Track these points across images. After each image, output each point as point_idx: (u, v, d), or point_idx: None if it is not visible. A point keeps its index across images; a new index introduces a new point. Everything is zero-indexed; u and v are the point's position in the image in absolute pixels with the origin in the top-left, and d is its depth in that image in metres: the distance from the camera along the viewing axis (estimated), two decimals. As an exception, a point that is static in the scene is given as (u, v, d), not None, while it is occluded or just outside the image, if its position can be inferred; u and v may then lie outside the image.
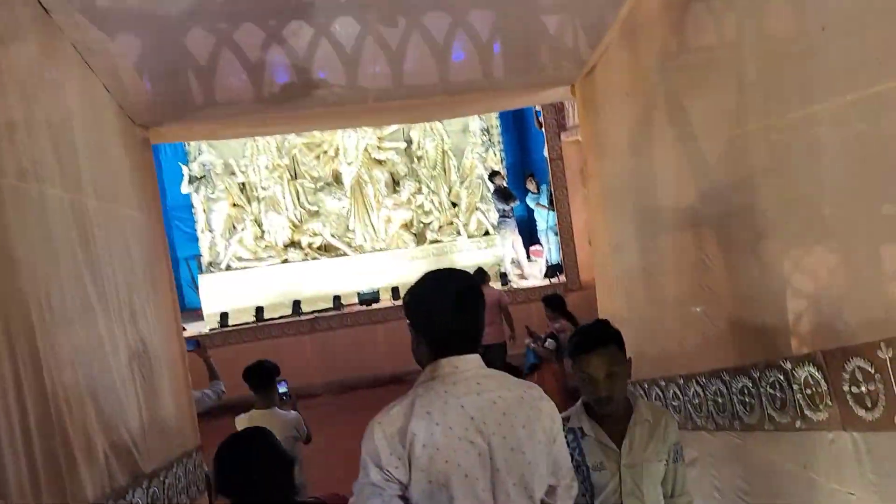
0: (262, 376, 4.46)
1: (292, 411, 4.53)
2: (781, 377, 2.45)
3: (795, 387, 2.38)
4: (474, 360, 1.82)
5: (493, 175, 10.93)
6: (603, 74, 3.87)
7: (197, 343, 4.86)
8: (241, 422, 4.46)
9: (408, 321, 1.89)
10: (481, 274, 8.25)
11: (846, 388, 2.11)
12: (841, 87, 1.99)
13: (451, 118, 10.33)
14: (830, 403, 2.20)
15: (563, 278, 10.43)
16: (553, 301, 6.17)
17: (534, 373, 5.78)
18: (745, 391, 2.72)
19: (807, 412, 2.34)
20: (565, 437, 1.97)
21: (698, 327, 3.06)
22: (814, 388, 2.28)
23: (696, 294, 3.05)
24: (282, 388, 4.60)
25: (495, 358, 8.11)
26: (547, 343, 5.89)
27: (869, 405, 2.03)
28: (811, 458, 2.36)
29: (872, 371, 1.99)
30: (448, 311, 1.81)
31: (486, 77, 3.93)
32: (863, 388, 2.04)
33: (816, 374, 2.26)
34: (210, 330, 9.85)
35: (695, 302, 3.07)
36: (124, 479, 2.56)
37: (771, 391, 2.54)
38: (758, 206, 2.52)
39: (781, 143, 2.33)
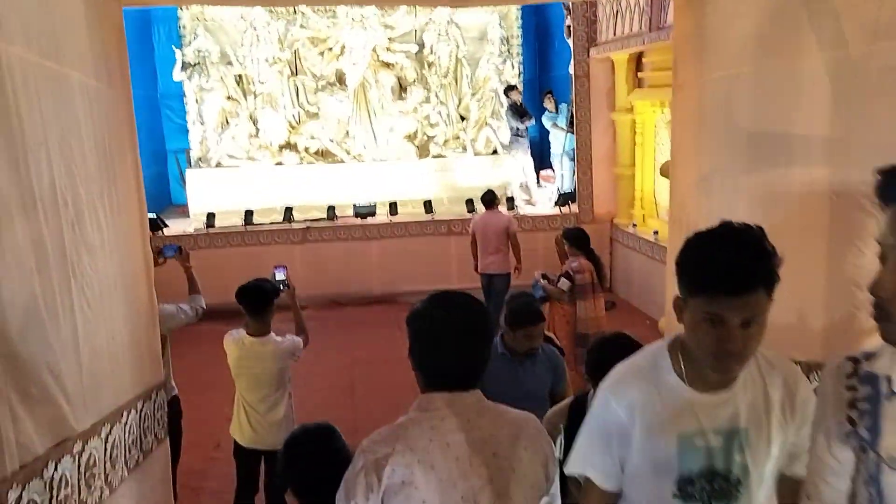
0: (259, 300, 3.90)
1: (288, 336, 3.99)
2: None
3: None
4: (471, 396, 1.70)
5: (510, 89, 10.09)
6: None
7: (179, 249, 4.27)
8: (232, 345, 3.94)
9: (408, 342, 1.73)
10: (491, 196, 7.60)
11: None
12: None
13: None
14: None
15: (574, 208, 9.78)
16: (575, 236, 5.53)
17: (544, 304, 5.22)
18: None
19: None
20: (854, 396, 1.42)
21: (836, 306, 2.41)
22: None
23: (838, 260, 2.39)
24: (279, 275, 4.27)
25: (499, 289, 7.59)
26: (560, 282, 5.30)
27: None
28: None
29: None
30: (451, 346, 1.68)
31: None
32: None
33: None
34: (195, 230, 9.23)
35: (835, 273, 2.39)
36: (44, 445, 1.99)
37: None
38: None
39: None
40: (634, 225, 9.10)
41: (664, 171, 7.66)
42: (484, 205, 7.68)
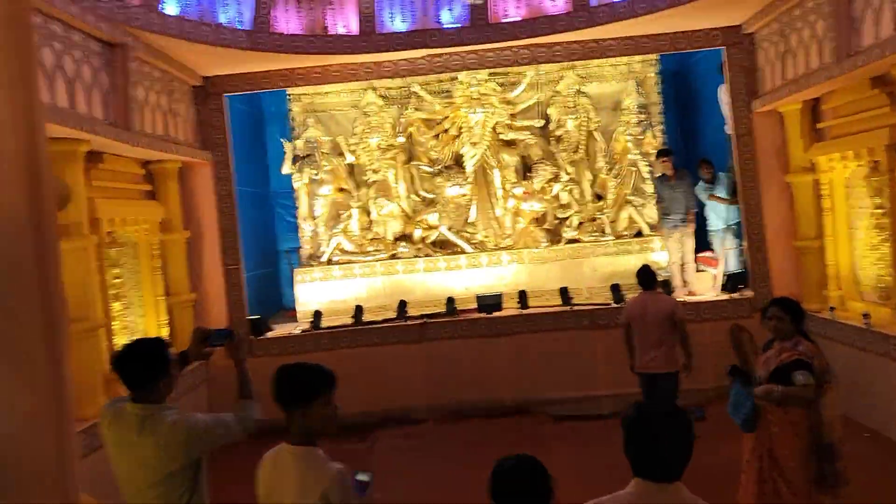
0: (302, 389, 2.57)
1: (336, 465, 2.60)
2: None
3: None
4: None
5: (663, 153, 8.59)
6: None
7: (229, 334, 3.04)
8: (266, 467, 2.60)
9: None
10: (649, 273, 6.08)
11: None
12: None
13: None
14: None
15: (748, 292, 7.95)
16: (796, 309, 3.86)
17: (753, 430, 3.56)
18: None
19: None
20: None
21: None
22: None
23: None
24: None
25: (665, 394, 5.91)
26: (798, 377, 3.59)
27: None
28: None
29: None
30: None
31: None
32: None
33: None
34: (301, 331, 8.23)
35: None
36: None
37: None
38: None
39: None
40: (832, 309, 7.14)
41: None
42: (641, 284, 6.13)
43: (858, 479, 4.09)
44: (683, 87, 10.37)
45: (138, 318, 6.55)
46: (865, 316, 6.55)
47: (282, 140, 9.58)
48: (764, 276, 7.88)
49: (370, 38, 7.39)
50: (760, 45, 7.69)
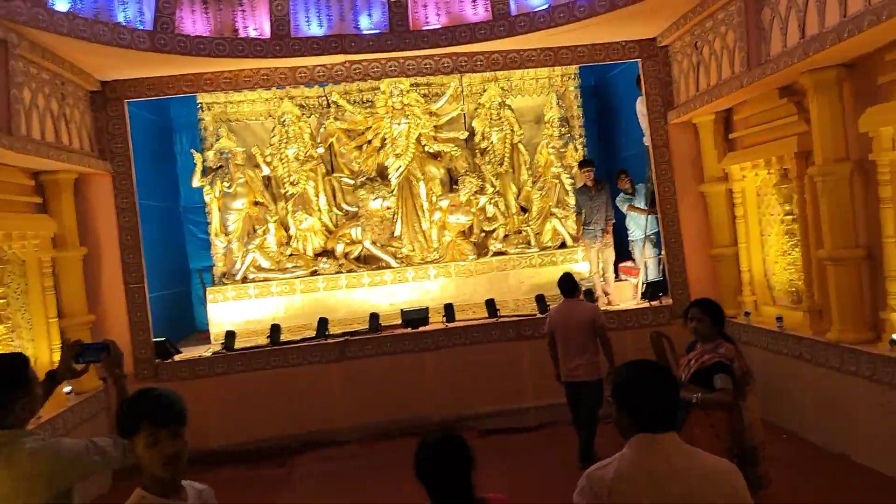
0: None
1: None
2: None
3: None
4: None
5: (585, 164, 8.57)
6: None
7: (104, 348, 2.70)
8: None
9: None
10: (570, 281, 6.00)
11: None
12: None
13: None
14: None
15: (667, 301, 8.01)
16: (711, 310, 3.81)
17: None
18: None
19: None
20: None
21: None
22: None
23: None
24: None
25: (591, 402, 5.84)
26: (718, 381, 3.51)
27: None
28: None
29: None
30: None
31: None
32: None
33: None
34: (212, 353, 7.77)
35: None
36: None
37: None
38: None
39: None
40: (748, 314, 7.25)
41: None
42: (563, 292, 6.04)
43: (779, 480, 4.06)
44: (603, 100, 10.52)
45: (27, 342, 5.97)
46: (779, 319, 6.66)
47: (192, 151, 9.13)
48: (682, 284, 7.95)
49: (284, 41, 7.10)
50: (675, 57, 7.82)
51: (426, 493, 2.23)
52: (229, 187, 8.87)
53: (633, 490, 1.99)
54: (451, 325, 7.92)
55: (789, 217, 6.69)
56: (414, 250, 9.17)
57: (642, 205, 8.68)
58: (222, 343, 7.79)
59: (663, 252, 8.19)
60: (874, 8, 4.35)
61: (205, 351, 7.91)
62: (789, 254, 6.79)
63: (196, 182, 8.98)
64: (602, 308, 7.64)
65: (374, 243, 9.13)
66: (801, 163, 6.21)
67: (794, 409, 6.38)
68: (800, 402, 6.32)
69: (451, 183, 9.38)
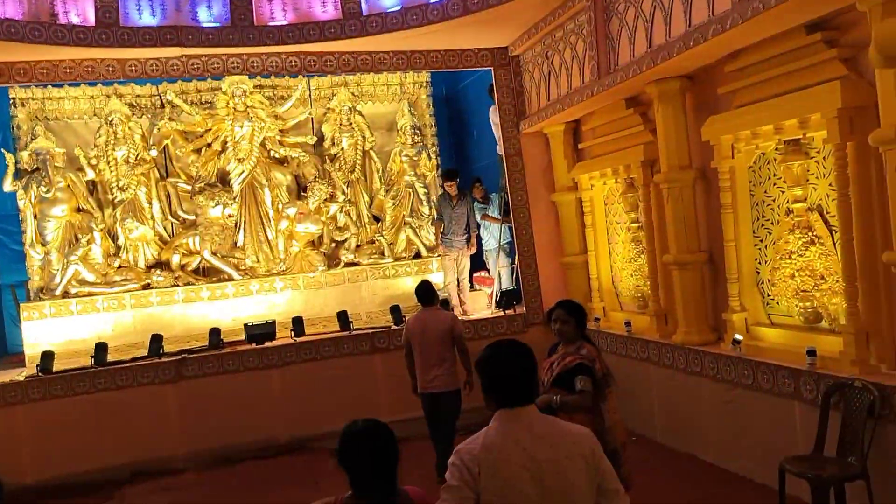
0: None
1: None
2: None
3: None
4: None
5: (450, 176, 8.28)
6: None
7: None
8: None
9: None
10: (428, 288, 5.79)
11: None
12: None
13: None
14: None
15: (521, 309, 8.04)
16: (575, 311, 3.73)
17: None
18: None
19: None
20: None
21: None
22: None
23: None
24: None
25: (449, 414, 5.65)
26: (579, 382, 3.42)
27: None
28: None
29: None
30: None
31: None
32: None
33: None
34: (27, 377, 6.76)
35: None
36: None
37: None
38: None
39: None
40: (598, 319, 7.42)
41: None
42: (420, 301, 5.82)
43: (636, 481, 4.05)
44: (455, 110, 10.52)
45: None
46: (627, 324, 6.86)
47: (3, 152, 8.00)
48: (535, 292, 8.03)
49: (111, 30, 6.38)
50: (526, 66, 7.93)
51: (349, 481, 2.15)
52: (47, 192, 7.85)
53: (503, 457, 2.09)
54: (300, 339, 7.45)
55: (635, 225, 6.92)
56: (259, 261, 8.59)
57: (496, 214, 8.71)
58: (37, 365, 6.80)
59: (517, 261, 8.24)
60: (718, 17, 4.54)
61: (17, 375, 6.88)
62: (635, 260, 7.03)
63: (7, 186, 7.87)
64: (461, 315, 7.52)
65: (214, 254, 8.44)
66: (647, 171, 6.44)
67: (642, 412, 6.55)
68: (648, 404, 6.51)
69: (300, 190, 8.90)
